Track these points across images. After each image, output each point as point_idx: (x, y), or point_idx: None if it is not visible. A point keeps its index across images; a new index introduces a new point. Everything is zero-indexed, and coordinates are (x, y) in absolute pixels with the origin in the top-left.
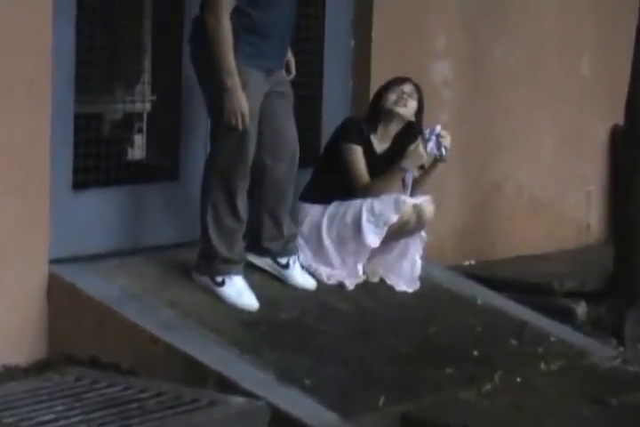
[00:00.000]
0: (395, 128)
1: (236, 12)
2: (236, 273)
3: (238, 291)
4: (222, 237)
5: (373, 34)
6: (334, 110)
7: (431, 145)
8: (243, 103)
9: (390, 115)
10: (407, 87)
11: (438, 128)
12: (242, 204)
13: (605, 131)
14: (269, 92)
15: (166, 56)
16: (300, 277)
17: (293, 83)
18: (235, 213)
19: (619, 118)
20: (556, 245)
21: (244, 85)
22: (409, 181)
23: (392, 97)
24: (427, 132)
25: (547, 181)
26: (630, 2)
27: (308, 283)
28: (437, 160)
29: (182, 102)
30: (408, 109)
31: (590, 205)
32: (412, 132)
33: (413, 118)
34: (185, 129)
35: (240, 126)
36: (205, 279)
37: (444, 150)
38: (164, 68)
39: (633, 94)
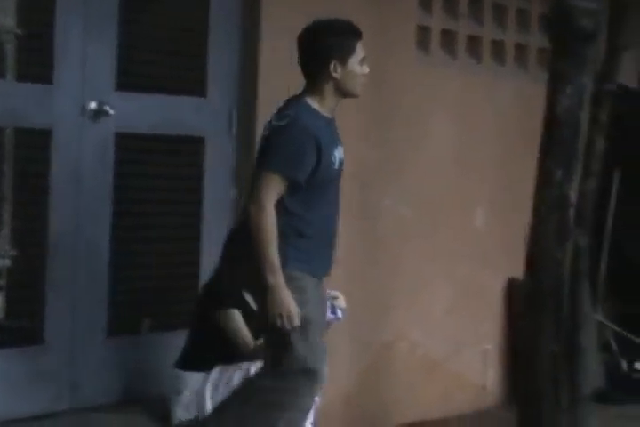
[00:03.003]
0: None
1: (287, 214)
2: None
3: None
4: None
5: None
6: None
7: (329, 313)
8: (288, 301)
9: None
10: None
11: (331, 292)
12: None
13: (501, 285)
14: None
15: (29, 207)
16: None
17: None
18: None
19: (514, 272)
20: (453, 409)
21: (301, 290)
22: None
23: None
24: None
25: (440, 339)
26: (529, 153)
27: None
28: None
29: (47, 257)
30: None
31: (487, 364)
32: None
33: None
34: (50, 287)
35: (287, 327)
36: None
37: (340, 313)
38: (27, 221)
39: (533, 246)
